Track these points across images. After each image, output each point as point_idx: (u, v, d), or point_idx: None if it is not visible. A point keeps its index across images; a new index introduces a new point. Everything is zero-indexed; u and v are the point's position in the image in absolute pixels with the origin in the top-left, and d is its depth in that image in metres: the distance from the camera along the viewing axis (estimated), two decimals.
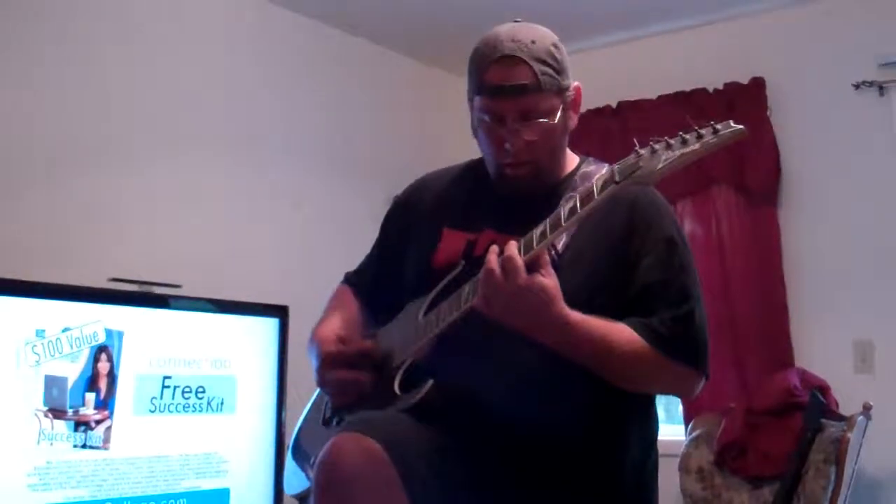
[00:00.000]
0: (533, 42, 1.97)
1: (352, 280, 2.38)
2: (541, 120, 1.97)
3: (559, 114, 2.00)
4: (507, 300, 1.79)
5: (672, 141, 1.70)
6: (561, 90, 2.00)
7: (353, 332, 2.18)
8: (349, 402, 2.10)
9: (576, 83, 2.06)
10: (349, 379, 2.08)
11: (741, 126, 1.68)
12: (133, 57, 4.15)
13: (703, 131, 1.68)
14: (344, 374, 2.08)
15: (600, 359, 1.88)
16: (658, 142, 1.71)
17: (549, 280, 1.80)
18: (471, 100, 2.06)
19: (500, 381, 1.93)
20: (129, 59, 4.13)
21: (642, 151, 1.73)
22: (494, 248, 1.83)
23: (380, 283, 2.29)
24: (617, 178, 1.74)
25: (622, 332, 1.88)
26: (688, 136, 1.69)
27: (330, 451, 1.78)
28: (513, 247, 1.80)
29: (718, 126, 1.68)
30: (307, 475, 2.21)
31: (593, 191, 1.76)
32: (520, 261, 1.78)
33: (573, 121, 2.08)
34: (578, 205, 1.77)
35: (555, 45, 2.00)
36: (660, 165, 1.70)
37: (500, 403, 1.91)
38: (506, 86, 1.96)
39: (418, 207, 2.25)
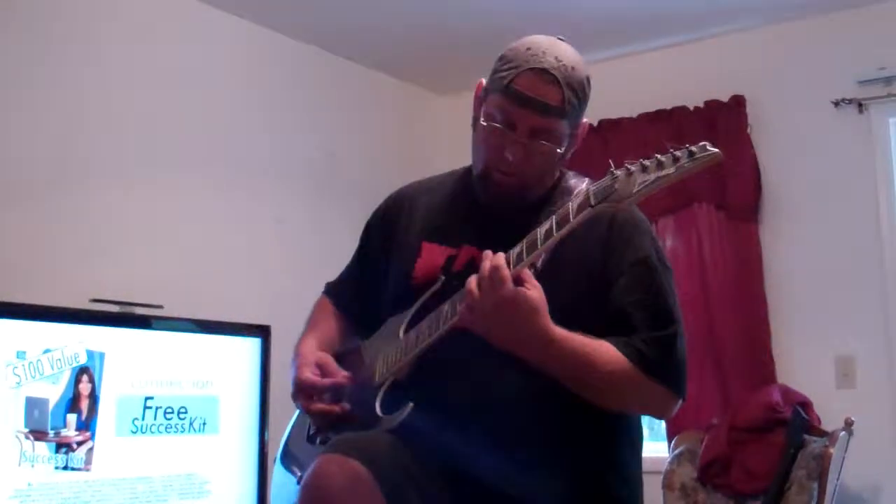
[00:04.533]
0: (573, 68, 1.93)
1: (332, 291, 2.36)
2: (548, 143, 1.94)
3: (565, 144, 1.98)
4: (490, 310, 1.77)
5: (647, 163, 1.68)
6: (575, 123, 1.98)
7: (334, 349, 2.18)
8: (327, 426, 2.09)
9: (586, 120, 2.03)
10: (321, 411, 2.07)
11: (717, 150, 1.65)
12: (114, 78, 4.15)
13: (678, 154, 1.66)
14: (316, 405, 2.07)
15: (582, 376, 1.86)
16: (633, 164, 1.69)
17: (534, 292, 1.78)
18: (484, 94, 2.02)
19: (482, 402, 1.92)
20: (109, 80, 4.13)
21: (617, 173, 1.71)
22: (488, 254, 1.81)
23: (360, 295, 2.28)
24: (592, 202, 1.73)
25: (606, 350, 1.86)
26: (663, 159, 1.67)
27: (315, 472, 1.77)
28: (501, 257, 1.78)
29: (694, 149, 1.64)
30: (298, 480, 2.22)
31: (569, 213, 1.75)
32: (507, 271, 1.76)
33: (570, 154, 2.05)
34: (554, 227, 1.77)
35: (588, 79, 1.97)
36: (635, 189, 1.68)
37: (482, 426, 1.90)
38: (534, 98, 1.91)
39: (399, 219, 2.22)
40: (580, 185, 2.02)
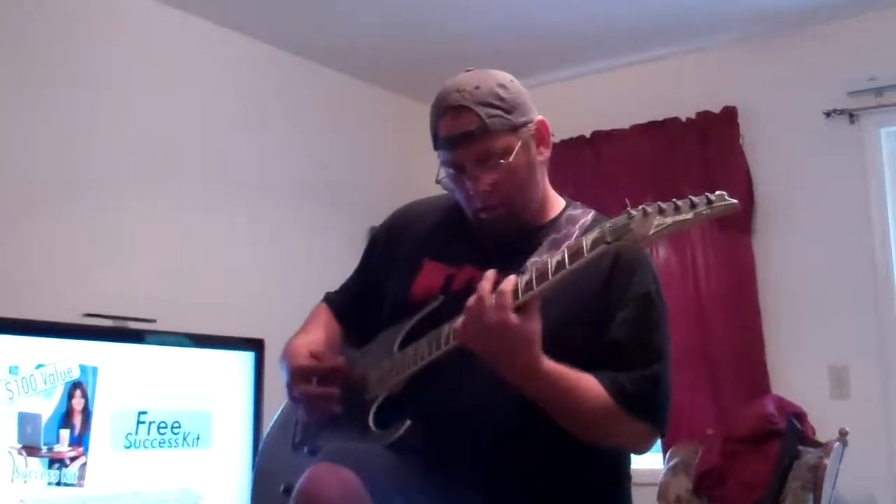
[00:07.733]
0: (476, 88, 1.98)
1: (331, 299, 2.37)
2: (499, 161, 1.97)
3: (517, 151, 1.99)
4: (486, 331, 1.79)
5: (665, 206, 1.70)
6: (515, 127, 1.99)
7: (326, 349, 2.18)
8: (319, 418, 2.09)
9: (538, 118, 2.05)
10: (318, 394, 2.07)
11: (735, 200, 1.69)
12: (105, 93, 4.14)
13: (696, 200, 1.68)
14: (313, 388, 2.08)
15: (563, 408, 1.88)
16: (650, 205, 1.71)
17: (532, 324, 1.79)
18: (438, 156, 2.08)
19: (475, 424, 1.92)
20: (103, 97, 4.13)
21: (634, 213, 1.72)
22: (490, 275, 1.82)
23: (357, 305, 2.29)
24: (608, 239, 1.73)
25: (589, 385, 1.88)
26: (680, 204, 1.69)
27: (307, 481, 1.77)
28: (509, 283, 1.80)
29: (712, 197, 1.68)
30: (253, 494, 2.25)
31: (583, 247, 1.76)
32: (509, 298, 1.77)
33: (542, 155, 2.07)
34: (567, 260, 1.77)
35: (501, 86, 2.00)
36: (651, 231, 1.70)
37: (475, 445, 1.91)
38: (454, 135, 1.98)
39: (404, 234, 2.24)
40: (585, 216, 2.06)
